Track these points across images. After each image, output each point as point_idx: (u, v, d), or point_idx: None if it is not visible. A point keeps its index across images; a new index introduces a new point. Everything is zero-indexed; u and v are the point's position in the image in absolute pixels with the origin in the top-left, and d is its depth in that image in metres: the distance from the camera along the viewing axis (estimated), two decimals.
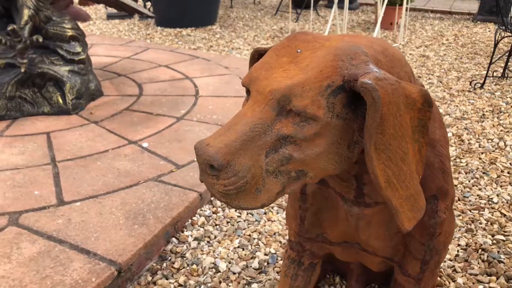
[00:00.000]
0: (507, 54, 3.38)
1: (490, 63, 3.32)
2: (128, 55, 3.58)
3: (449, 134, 2.60)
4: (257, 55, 0.80)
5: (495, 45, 3.23)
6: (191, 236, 1.69)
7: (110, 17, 5.48)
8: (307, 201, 0.93)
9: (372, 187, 0.77)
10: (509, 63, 3.66)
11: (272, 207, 1.89)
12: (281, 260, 1.60)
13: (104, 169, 1.92)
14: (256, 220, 1.81)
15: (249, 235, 1.72)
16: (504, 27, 3.11)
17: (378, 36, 3.98)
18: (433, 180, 0.77)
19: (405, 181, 0.68)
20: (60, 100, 2.45)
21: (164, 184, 1.83)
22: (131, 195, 1.75)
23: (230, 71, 3.24)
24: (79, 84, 2.49)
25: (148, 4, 5.98)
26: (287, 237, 1.71)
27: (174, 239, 1.66)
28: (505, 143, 2.50)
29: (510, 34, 3.12)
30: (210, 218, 1.80)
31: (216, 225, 1.77)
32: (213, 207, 1.86)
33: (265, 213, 1.85)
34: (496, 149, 2.44)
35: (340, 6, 4.70)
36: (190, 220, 1.76)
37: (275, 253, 1.63)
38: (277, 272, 1.54)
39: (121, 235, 1.52)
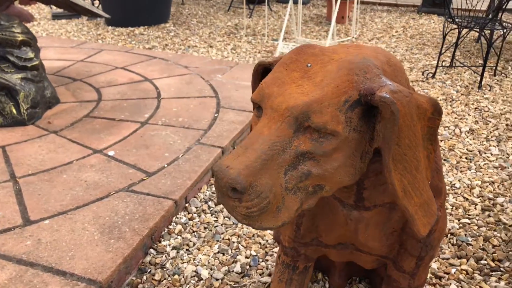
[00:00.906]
0: (454, 44, 3.55)
1: (440, 54, 3.47)
2: (81, 58, 3.43)
3: None
4: (260, 69, 0.79)
5: (444, 36, 3.38)
6: (169, 245, 1.66)
7: (55, 17, 5.22)
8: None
9: (372, 191, 0.79)
10: (456, 53, 3.85)
11: None
12: (262, 261, 1.60)
13: (71, 182, 1.84)
14: (233, 223, 1.80)
15: (228, 239, 1.71)
16: (451, 20, 3.25)
17: (334, 30, 4.05)
18: (430, 180, 0.80)
19: (419, 188, 0.70)
20: (14, 111, 2.31)
21: (137, 194, 1.78)
22: (102, 208, 1.69)
23: (190, 71, 3.19)
24: (33, 92, 2.37)
25: (96, 2, 5.76)
26: (266, 237, 1.71)
27: (152, 250, 1.62)
28: (460, 129, 2.63)
29: (456, 26, 3.27)
30: (187, 225, 1.77)
31: (193, 231, 1.74)
32: (189, 213, 1.83)
33: None
34: (453, 136, 2.57)
35: (294, 1, 4.74)
36: (166, 229, 1.73)
37: (256, 255, 1.63)
38: (260, 274, 1.55)
39: (98, 252, 1.47)
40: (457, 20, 3.28)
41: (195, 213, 1.84)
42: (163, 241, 1.68)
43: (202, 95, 2.75)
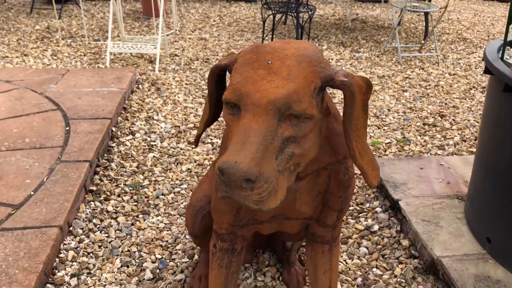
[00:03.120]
0: (271, 29, 3.96)
1: (263, 38, 3.83)
2: None
3: None
4: (218, 70, 0.85)
5: (264, 22, 3.73)
6: (67, 274, 1.54)
7: None
8: None
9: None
10: (274, 37, 4.28)
11: (137, 216, 1.86)
12: (170, 261, 1.62)
13: None
14: (127, 234, 1.75)
15: (128, 251, 1.67)
16: (267, 6, 3.62)
17: (162, 24, 4.06)
18: (342, 145, 0.97)
19: (366, 149, 0.88)
20: None
21: (10, 231, 1.58)
22: None
23: (15, 85, 2.85)
24: None
25: None
26: (165, 238, 1.73)
27: (49, 286, 1.49)
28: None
29: (271, 13, 3.66)
30: (79, 248, 1.66)
31: (88, 253, 1.65)
32: (76, 236, 1.71)
33: (132, 224, 1.81)
34: None
35: None
36: (57, 259, 1.59)
37: (162, 258, 1.64)
38: (173, 274, 1.57)
39: None
40: (272, 7, 3.66)
41: (82, 234, 1.73)
42: (58, 272, 1.55)
43: (42, 110, 2.51)
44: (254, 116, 0.73)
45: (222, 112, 0.88)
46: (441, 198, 1.86)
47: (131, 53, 3.85)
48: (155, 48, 3.59)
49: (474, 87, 3.43)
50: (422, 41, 4.63)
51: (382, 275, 1.59)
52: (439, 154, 2.39)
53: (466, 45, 4.61)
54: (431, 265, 1.58)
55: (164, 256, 1.65)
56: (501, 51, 1.52)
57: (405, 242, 1.72)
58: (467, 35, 4.97)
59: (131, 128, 2.56)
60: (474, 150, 2.44)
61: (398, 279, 1.57)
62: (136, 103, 2.88)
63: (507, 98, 1.33)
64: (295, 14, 3.70)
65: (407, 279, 1.57)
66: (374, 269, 1.61)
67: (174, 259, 1.64)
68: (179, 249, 1.69)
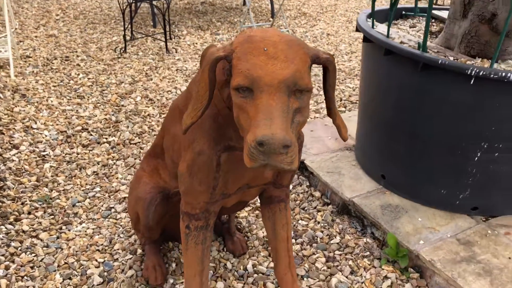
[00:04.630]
0: (130, 19, 3.87)
1: (125, 29, 3.74)
2: None
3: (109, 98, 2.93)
4: (216, 61, 0.92)
5: (123, 13, 3.65)
6: None
7: None
8: (220, 170, 1.10)
9: None
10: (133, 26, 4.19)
11: (61, 228, 1.77)
12: (114, 261, 1.61)
13: None
14: (57, 248, 1.67)
15: (66, 263, 1.61)
16: None
17: (8, 23, 3.63)
18: None
19: (338, 111, 1.06)
20: None
21: None
22: None
23: None
24: None
25: None
26: (100, 242, 1.70)
27: None
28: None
29: (129, 2, 3.59)
30: (9, 275, 1.53)
31: (22, 277, 1.54)
32: (0, 263, 1.57)
33: (58, 237, 1.73)
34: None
35: None
36: None
37: (104, 260, 1.62)
38: (122, 271, 1.57)
39: None
40: None
41: (6, 261, 1.59)
42: None
43: None
44: (269, 95, 0.85)
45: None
46: (335, 152, 2.18)
47: None
48: (5, 51, 3.23)
49: None
50: (271, 19, 5.03)
51: (307, 224, 1.84)
52: (317, 117, 2.74)
53: (307, 19, 5.16)
54: (344, 207, 1.88)
55: (106, 258, 1.63)
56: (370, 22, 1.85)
57: (317, 194, 2.00)
58: (305, 10, 5.55)
59: (11, 142, 2.34)
60: (343, 109, 2.86)
61: (321, 224, 1.83)
62: (5, 115, 2.61)
63: (388, 60, 1.66)
64: (153, 2, 3.69)
65: (328, 222, 1.84)
66: (300, 221, 1.85)
67: (117, 259, 1.64)
68: (118, 249, 1.68)
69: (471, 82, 1.45)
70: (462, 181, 1.67)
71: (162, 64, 3.52)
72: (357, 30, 1.89)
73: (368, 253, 1.69)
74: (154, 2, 4.27)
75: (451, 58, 1.65)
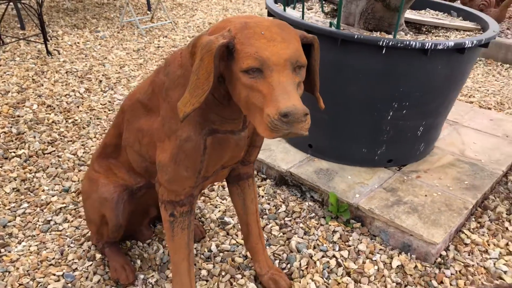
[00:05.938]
0: None
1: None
2: None
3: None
4: (221, 48, 0.95)
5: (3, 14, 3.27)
6: None
7: None
8: (205, 153, 1.14)
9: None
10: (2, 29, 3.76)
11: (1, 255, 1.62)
12: (75, 272, 1.54)
13: None
14: (3, 272, 1.53)
15: (21, 284, 1.49)
16: None
17: None
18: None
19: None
20: None
21: None
22: None
23: None
24: None
25: None
26: (50, 256, 1.60)
27: None
28: (101, 86, 2.90)
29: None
30: None
31: None
32: None
33: (0, 262, 1.58)
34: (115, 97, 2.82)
35: None
36: None
37: (62, 273, 1.53)
38: (86, 278, 1.52)
39: None
40: None
41: None
42: None
43: None
44: (279, 73, 0.93)
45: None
46: None
47: None
48: None
49: None
50: (148, 12, 4.95)
51: None
52: None
53: (184, 9, 5.19)
54: (281, 179, 2.05)
55: (64, 270, 1.55)
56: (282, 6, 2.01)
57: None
58: (180, 1, 5.56)
59: None
60: None
61: (265, 198, 1.97)
62: None
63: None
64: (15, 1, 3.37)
65: (270, 194, 1.99)
66: None
67: (76, 268, 1.57)
68: (73, 258, 1.60)
69: (383, 52, 1.71)
70: (379, 138, 1.96)
71: (47, 68, 3.26)
72: (269, 14, 2.04)
73: (313, 214, 1.88)
74: (22, 1, 3.89)
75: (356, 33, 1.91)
